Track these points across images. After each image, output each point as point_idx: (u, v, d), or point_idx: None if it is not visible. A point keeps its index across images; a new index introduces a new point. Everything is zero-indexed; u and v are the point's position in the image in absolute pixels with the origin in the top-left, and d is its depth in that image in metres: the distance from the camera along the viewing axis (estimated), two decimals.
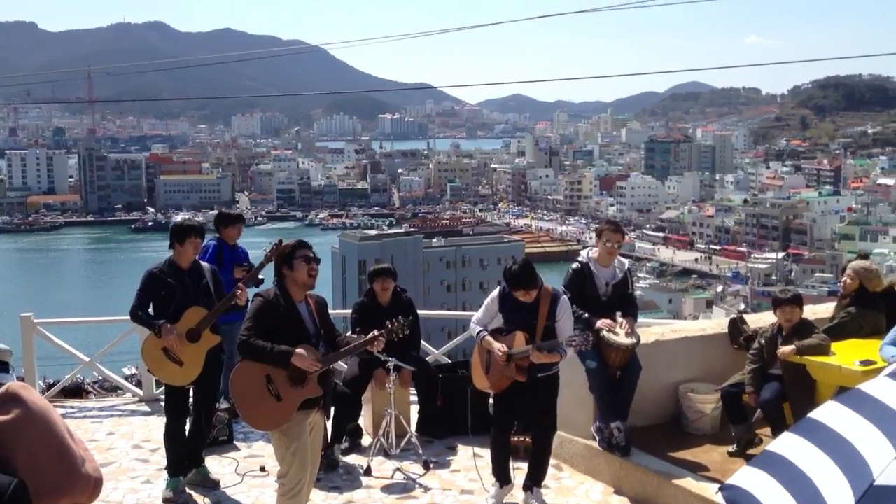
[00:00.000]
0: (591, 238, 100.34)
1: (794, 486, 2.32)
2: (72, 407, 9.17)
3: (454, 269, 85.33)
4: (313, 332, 5.30)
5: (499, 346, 5.90)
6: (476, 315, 6.23)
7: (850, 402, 2.48)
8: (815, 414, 2.53)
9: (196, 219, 6.90)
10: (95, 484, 2.40)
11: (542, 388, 6.02)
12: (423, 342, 8.39)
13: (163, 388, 7.20)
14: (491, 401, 6.49)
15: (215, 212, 9.46)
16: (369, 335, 5.36)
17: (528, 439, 6.68)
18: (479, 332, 6.10)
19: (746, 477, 2.52)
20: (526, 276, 5.83)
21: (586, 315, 6.35)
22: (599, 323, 6.32)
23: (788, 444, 2.48)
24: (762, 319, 7.52)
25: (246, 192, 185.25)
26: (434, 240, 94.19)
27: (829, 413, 2.48)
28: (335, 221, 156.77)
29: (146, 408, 9.00)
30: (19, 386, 2.36)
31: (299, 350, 5.07)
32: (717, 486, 5.79)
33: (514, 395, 6.05)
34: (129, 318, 6.75)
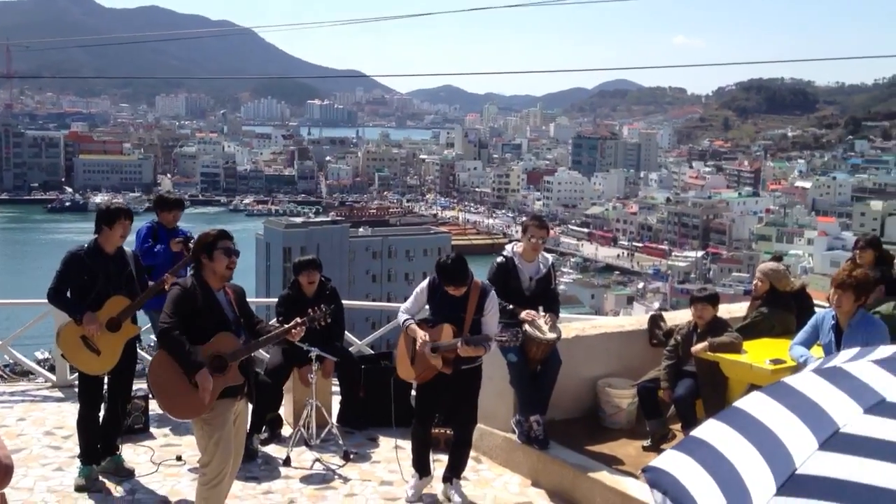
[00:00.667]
0: (517, 231, 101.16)
1: (716, 469, 2.37)
2: None
3: (380, 260, 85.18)
4: (233, 318, 5.26)
5: (423, 335, 5.94)
6: (404, 304, 6.28)
7: (775, 393, 2.54)
8: (740, 403, 2.59)
9: (118, 200, 6.70)
10: (6, 471, 2.35)
11: (465, 381, 6.07)
12: (346, 332, 8.37)
13: (77, 374, 7.03)
14: (413, 392, 6.51)
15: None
16: (290, 323, 5.35)
17: (448, 431, 6.73)
18: (405, 321, 6.14)
19: (670, 460, 2.57)
20: (459, 271, 5.89)
21: (511, 306, 6.42)
22: (524, 314, 6.38)
23: (712, 430, 2.53)
24: (679, 317, 7.71)
25: (169, 175, 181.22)
26: (360, 229, 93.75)
27: (754, 402, 2.53)
28: (260, 208, 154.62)
29: (59, 393, 8.77)
30: None
31: (203, 372, 5.01)
32: (631, 479, 5.94)
33: (438, 386, 6.09)
34: (43, 300, 6.58)
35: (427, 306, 6.21)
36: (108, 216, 6.29)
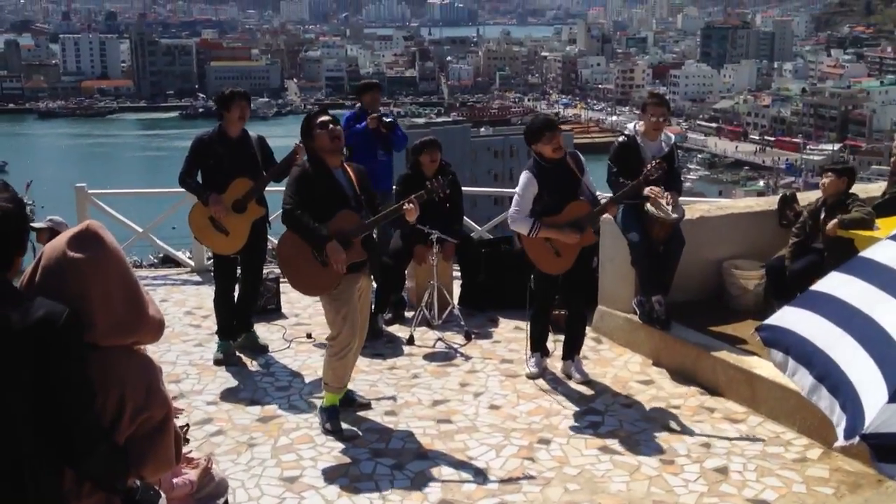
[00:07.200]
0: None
1: (843, 318, 2.26)
2: None
3: (502, 159, 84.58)
4: (352, 195, 5.34)
5: (567, 231, 5.86)
6: (514, 208, 6.00)
7: None
8: (866, 252, 2.47)
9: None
10: (159, 326, 2.52)
11: (582, 257, 6.06)
12: (466, 218, 8.41)
13: (212, 259, 7.38)
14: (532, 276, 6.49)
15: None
16: (409, 198, 5.38)
17: (564, 312, 6.72)
18: (535, 224, 5.89)
19: (788, 316, 2.48)
20: (548, 119, 6.11)
21: (632, 182, 6.31)
22: (647, 190, 6.23)
23: (835, 282, 2.42)
24: (812, 197, 7.40)
25: (295, 80, 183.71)
26: (482, 129, 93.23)
27: (882, 250, 2.40)
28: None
29: (198, 278, 9.25)
30: (97, 225, 2.45)
31: (333, 244, 5.12)
32: (756, 357, 5.83)
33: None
34: (178, 189, 6.88)
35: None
36: (224, 101, 6.47)
